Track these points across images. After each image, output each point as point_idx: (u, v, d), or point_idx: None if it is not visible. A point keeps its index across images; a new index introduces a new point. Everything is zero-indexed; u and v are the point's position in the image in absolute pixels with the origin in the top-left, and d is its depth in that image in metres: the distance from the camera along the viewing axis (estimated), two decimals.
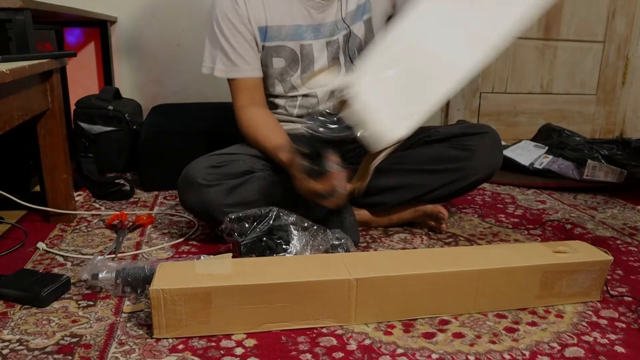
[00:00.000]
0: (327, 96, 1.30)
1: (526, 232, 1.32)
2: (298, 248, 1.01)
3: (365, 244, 1.23)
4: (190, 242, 1.20)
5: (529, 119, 2.45)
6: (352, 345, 0.83)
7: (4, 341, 0.81)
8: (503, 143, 1.99)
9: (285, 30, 1.23)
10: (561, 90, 2.45)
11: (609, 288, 1.03)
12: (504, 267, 0.93)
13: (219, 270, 0.86)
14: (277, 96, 1.31)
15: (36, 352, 0.79)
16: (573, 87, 2.45)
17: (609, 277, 1.07)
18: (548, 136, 1.92)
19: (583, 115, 2.50)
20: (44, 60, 1.08)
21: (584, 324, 0.91)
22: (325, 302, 0.87)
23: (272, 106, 1.33)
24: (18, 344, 0.81)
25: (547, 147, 1.81)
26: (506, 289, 0.94)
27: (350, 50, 1.30)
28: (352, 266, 0.89)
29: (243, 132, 1.25)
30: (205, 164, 1.14)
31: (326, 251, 1.05)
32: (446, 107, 2.37)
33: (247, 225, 1.04)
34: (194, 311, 0.82)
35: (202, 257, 0.96)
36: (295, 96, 1.30)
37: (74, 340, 0.82)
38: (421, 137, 1.29)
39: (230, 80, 1.25)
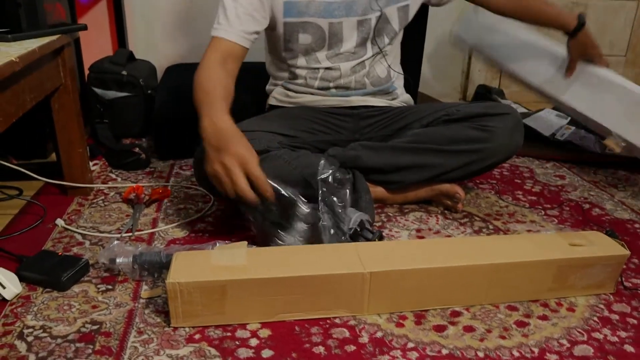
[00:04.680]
0: (350, 71, 1.27)
1: (543, 213, 1.31)
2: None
3: (380, 223, 1.23)
4: (206, 220, 1.21)
5: None
6: (364, 338, 0.85)
7: (28, 327, 0.84)
8: (524, 110, 1.95)
9: (315, 5, 1.18)
10: None
11: (623, 279, 1.02)
12: (518, 262, 0.92)
13: (234, 261, 0.87)
14: (298, 67, 1.28)
15: (59, 340, 0.82)
16: (601, 48, 2.34)
17: (623, 267, 1.06)
18: None
19: None
20: (54, 38, 1.06)
21: (595, 319, 0.92)
22: (338, 294, 0.88)
23: (292, 76, 1.30)
24: (41, 330, 0.84)
25: (569, 118, 1.75)
26: (519, 282, 0.94)
27: (378, 34, 1.25)
28: (366, 258, 0.89)
29: (193, 88, 1.09)
30: None
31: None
32: (467, 70, 2.30)
33: None
34: (210, 302, 0.84)
35: (217, 244, 0.97)
36: (318, 68, 1.27)
37: (95, 327, 0.85)
38: (440, 116, 1.26)
39: (212, 38, 1.15)
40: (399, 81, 1.40)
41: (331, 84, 1.28)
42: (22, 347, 0.80)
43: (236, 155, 0.93)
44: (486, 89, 2.00)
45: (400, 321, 0.89)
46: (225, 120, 0.99)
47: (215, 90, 1.07)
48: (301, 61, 1.26)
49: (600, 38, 2.32)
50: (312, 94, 1.31)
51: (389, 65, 1.32)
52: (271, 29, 1.23)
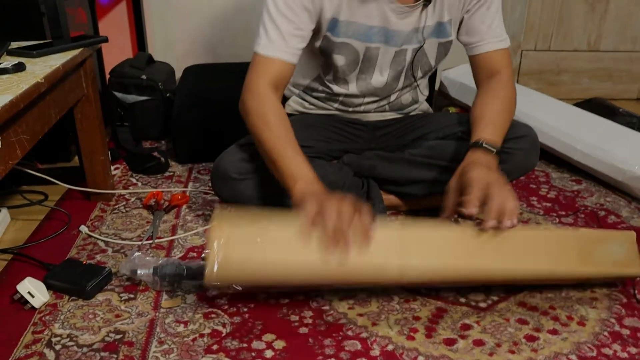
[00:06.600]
0: (374, 104, 1.28)
1: (557, 221, 1.31)
2: None
3: None
4: None
5: (572, 78, 2.34)
6: (376, 351, 0.88)
7: (56, 335, 0.89)
8: None
9: (354, 27, 1.14)
10: (610, 48, 2.31)
11: (636, 292, 1.03)
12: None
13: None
14: (326, 80, 1.25)
15: (85, 349, 0.86)
16: (623, 44, 2.31)
17: (638, 279, 1.07)
18: (599, 112, 1.80)
19: (631, 74, 2.36)
20: (77, 52, 1.09)
21: (606, 334, 0.93)
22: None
23: (313, 89, 1.29)
24: (68, 339, 0.88)
25: None
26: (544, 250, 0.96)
27: (415, 67, 1.23)
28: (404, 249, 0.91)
29: (248, 117, 1.05)
30: (237, 157, 1.15)
31: None
32: None
33: None
34: (249, 251, 0.85)
35: None
36: (339, 94, 1.26)
37: (118, 337, 0.89)
38: (457, 131, 1.25)
39: (255, 56, 1.09)
40: (422, 101, 1.38)
41: (350, 109, 1.29)
42: (51, 355, 0.85)
43: (349, 203, 0.88)
44: None
45: (411, 334, 0.92)
46: (316, 184, 0.97)
47: (287, 134, 1.03)
48: (329, 77, 1.24)
49: (622, 34, 2.28)
50: (328, 109, 1.31)
51: (418, 91, 1.32)
52: (312, 37, 1.17)
